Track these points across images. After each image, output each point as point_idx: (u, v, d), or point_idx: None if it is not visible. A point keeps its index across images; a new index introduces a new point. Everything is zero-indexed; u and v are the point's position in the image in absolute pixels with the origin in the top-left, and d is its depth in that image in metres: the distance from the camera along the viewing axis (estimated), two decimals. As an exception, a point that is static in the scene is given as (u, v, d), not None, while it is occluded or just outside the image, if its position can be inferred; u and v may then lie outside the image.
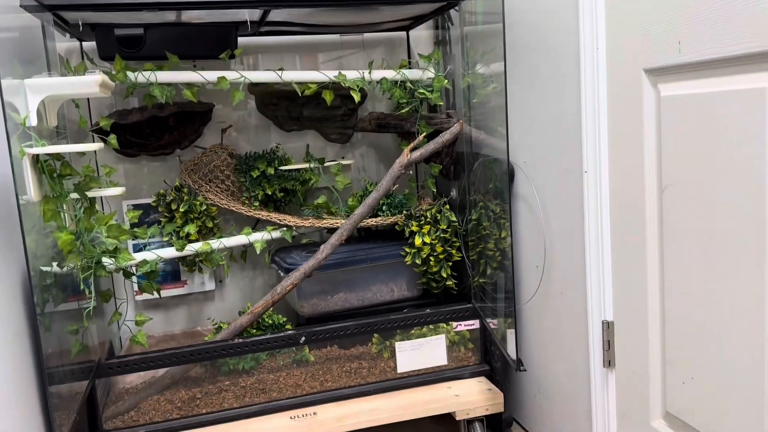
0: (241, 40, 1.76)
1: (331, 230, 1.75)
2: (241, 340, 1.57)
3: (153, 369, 1.54)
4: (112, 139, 1.50)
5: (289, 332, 1.60)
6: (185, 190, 1.74)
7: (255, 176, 1.79)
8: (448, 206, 1.77)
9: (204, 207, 1.73)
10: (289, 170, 1.83)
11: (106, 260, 1.43)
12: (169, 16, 1.58)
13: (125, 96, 1.63)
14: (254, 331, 1.66)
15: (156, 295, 1.66)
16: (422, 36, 2.02)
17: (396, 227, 1.80)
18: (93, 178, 1.35)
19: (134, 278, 1.73)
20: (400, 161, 1.65)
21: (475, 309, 1.72)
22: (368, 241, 1.86)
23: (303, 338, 1.60)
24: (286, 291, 1.60)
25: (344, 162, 1.91)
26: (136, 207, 1.83)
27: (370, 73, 1.70)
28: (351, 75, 1.68)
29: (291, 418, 1.57)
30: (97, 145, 1.32)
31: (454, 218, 1.75)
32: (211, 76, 1.59)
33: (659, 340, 1.21)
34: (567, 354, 1.51)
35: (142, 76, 1.54)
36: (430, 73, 1.76)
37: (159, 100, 1.57)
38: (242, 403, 1.59)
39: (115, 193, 1.38)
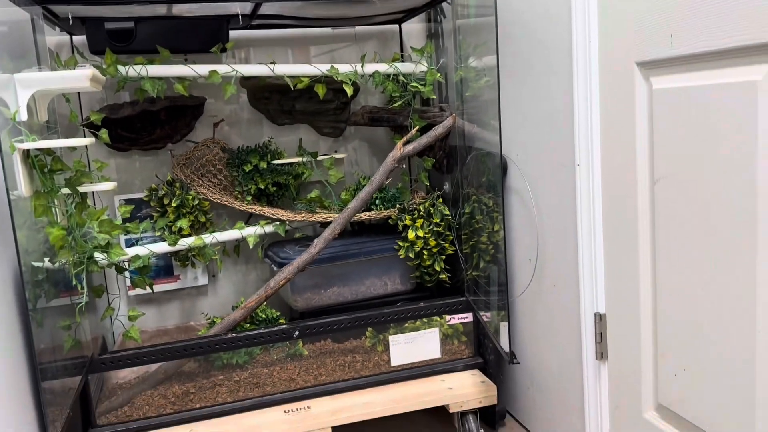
0: (232, 33, 1.75)
1: (325, 224, 1.75)
2: (234, 335, 1.56)
3: (146, 364, 1.54)
4: (103, 133, 1.49)
5: (283, 326, 1.60)
6: (177, 184, 1.73)
7: (247, 170, 1.79)
8: (441, 200, 1.78)
9: (196, 201, 1.73)
10: (282, 164, 1.83)
11: (98, 255, 1.43)
12: (160, 10, 1.57)
13: (116, 90, 1.62)
14: (248, 325, 1.66)
15: (149, 290, 1.66)
16: (415, 29, 2.01)
17: (389, 221, 1.80)
18: (84, 173, 1.35)
19: (127, 273, 1.72)
20: (393, 155, 1.65)
21: (469, 302, 1.72)
22: (361, 235, 1.86)
23: (296, 332, 1.60)
24: (279, 285, 1.60)
25: (337, 156, 1.91)
26: (127, 202, 1.83)
27: (362, 66, 1.70)
28: (343, 68, 1.68)
29: (285, 412, 1.57)
30: (88, 140, 1.31)
31: (447, 212, 1.75)
32: (203, 69, 1.58)
33: (651, 333, 1.22)
34: (560, 346, 1.52)
35: (133, 70, 1.53)
36: (423, 67, 1.76)
37: (150, 94, 1.56)
38: (236, 398, 1.59)
39: (107, 188, 1.37)
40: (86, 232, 1.37)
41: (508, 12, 1.55)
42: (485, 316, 1.67)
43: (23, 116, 1.18)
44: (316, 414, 1.55)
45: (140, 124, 1.75)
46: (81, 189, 1.34)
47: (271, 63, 1.64)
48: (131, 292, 1.89)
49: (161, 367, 1.58)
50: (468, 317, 1.73)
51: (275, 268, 1.70)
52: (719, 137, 1.00)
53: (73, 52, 1.74)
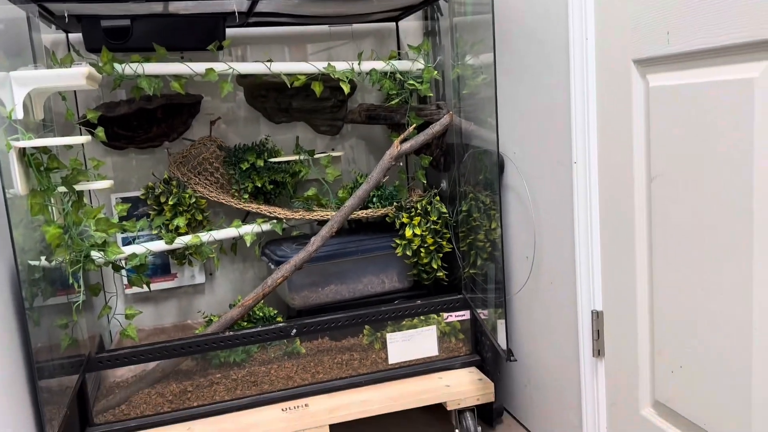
0: (229, 31, 1.75)
1: (322, 222, 1.75)
2: (232, 333, 1.56)
3: (143, 362, 1.53)
4: (100, 131, 1.48)
5: (280, 325, 1.60)
6: (174, 182, 1.73)
7: (244, 168, 1.78)
8: (438, 198, 1.78)
9: (193, 200, 1.72)
10: (279, 162, 1.83)
11: (95, 254, 1.43)
12: (156, 7, 1.56)
13: (112, 88, 1.62)
14: (245, 323, 1.66)
15: (146, 288, 1.66)
16: (412, 27, 2.01)
17: (386, 219, 1.80)
18: (81, 172, 1.34)
19: (123, 272, 1.72)
20: (390, 153, 1.65)
21: (466, 300, 1.73)
22: (359, 233, 1.86)
23: (294, 330, 1.60)
24: (276, 283, 1.60)
25: (334, 154, 1.90)
26: (124, 200, 1.82)
27: (359, 64, 1.70)
28: (340, 66, 1.68)
29: (282, 410, 1.57)
30: (84, 138, 1.31)
31: (444, 209, 1.75)
32: (199, 67, 1.58)
33: (648, 330, 1.22)
34: (557, 344, 1.52)
35: (130, 68, 1.53)
36: (420, 64, 1.76)
37: (147, 92, 1.56)
38: (233, 396, 1.59)
39: (103, 186, 1.37)
40: (83, 231, 1.37)
41: (505, 9, 1.55)
42: (482, 313, 1.67)
43: (19, 114, 1.18)
44: (313, 412, 1.55)
45: (137, 123, 1.75)
46: (77, 187, 1.33)
47: (268, 61, 1.64)
48: (128, 291, 1.88)
49: (158, 366, 1.57)
50: (465, 315, 1.73)
51: (272, 267, 1.70)
52: (716, 135, 1.00)
53: (69, 50, 1.74)
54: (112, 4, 1.45)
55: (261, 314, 1.69)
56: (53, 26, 1.67)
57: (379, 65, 1.72)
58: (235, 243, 1.88)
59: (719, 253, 1.03)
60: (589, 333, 1.38)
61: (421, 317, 1.71)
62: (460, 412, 1.64)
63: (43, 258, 1.29)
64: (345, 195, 1.84)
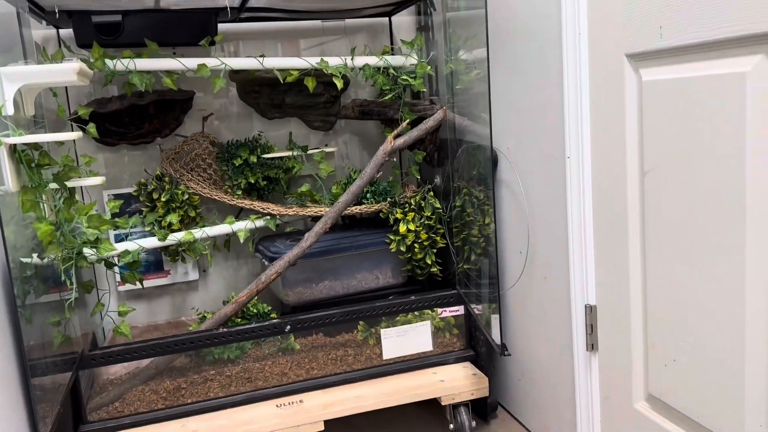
0: (221, 26, 1.74)
1: (316, 218, 1.75)
2: (225, 330, 1.56)
3: (137, 359, 1.53)
4: (91, 128, 1.48)
5: (274, 321, 1.60)
6: (167, 179, 1.72)
7: (237, 164, 1.78)
8: (432, 193, 1.78)
9: (186, 196, 1.72)
10: (272, 158, 1.82)
11: (87, 251, 1.42)
12: (148, 3, 1.55)
13: (104, 84, 1.61)
14: (239, 320, 1.65)
15: (139, 285, 1.65)
16: (405, 22, 2.01)
17: (380, 215, 1.80)
18: (72, 168, 1.34)
19: (116, 268, 1.71)
20: (384, 148, 1.64)
21: (460, 295, 1.73)
22: (353, 228, 1.86)
23: (288, 327, 1.60)
24: (270, 280, 1.60)
25: (328, 149, 1.90)
26: (116, 197, 1.81)
27: (352, 59, 1.69)
28: (333, 61, 1.67)
29: (277, 406, 1.57)
30: (75, 134, 1.30)
31: (438, 205, 1.75)
32: (191, 63, 1.57)
33: (641, 324, 1.23)
34: (550, 338, 1.53)
35: (121, 64, 1.52)
36: (413, 60, 1.75)
37: (138, 88, 1.55)
38: (228, 393, 1.59)
39: (95, 182, 1.36)
40: (75, 228, 1.36)
41: (498, 5, 1.55)
42: (476, 308, 1.67)
43: (9, 110, 1.17)
44: (308, 408, 1.55)
45: (128, 119, 1.74)
46: (69, 184, 1.33)
47: (261, 56, 1.63)
48: (121, 288, 1.88)
49: (152, 363, 1.57)
50: (459, 310, 1.74)
51: (266, 263, 1.69)
52: (708, 129, 1.01)
53: (59, 46, 1.73)
54: (103, 0, 1.44)
55: (255, 311, 1.69)
56: (44, 22, 1.66)
57: (372, 60, 1.72)
58: (229, 239, 1.87)
59: (712, 247, 1.03)
60: (582, 327, 1.39)
61: (416, 313, 1.71)
62: (455, 406, 1.64)
63: (35, 255, 1.29)
64: (339, 191, 1.84)
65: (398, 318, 1.70)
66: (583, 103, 1.30)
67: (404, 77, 1.72)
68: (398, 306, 1.68)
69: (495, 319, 1.54)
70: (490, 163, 1.55)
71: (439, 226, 1.76)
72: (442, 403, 1.62)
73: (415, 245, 1.73)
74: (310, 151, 1.86)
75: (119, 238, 1.74)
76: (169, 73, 1.58)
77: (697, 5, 1.00)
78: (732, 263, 0.99)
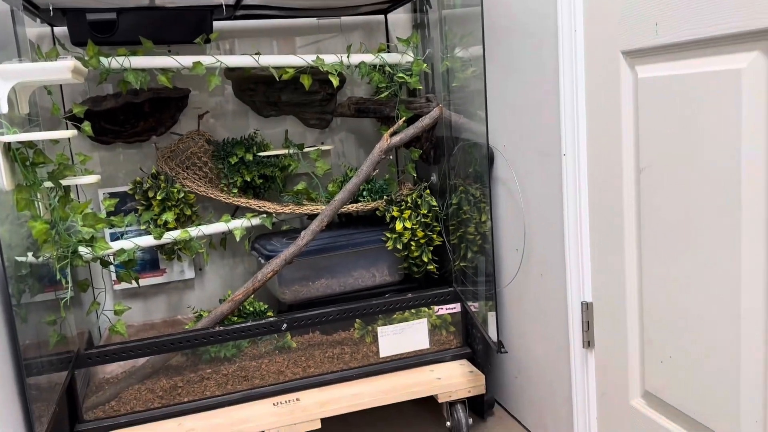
0: (216, 24, 1.73)
1: (312, 216, 1.74)
2: (222, 328, 1.56)
3: (133, 358, 1.53)
4: (86, 126, 1.47)
5: (271, 319, 1.60)
6: (162, 177, 1.72)
7: (233, 163, 1.77)
8: (428, 191, 1.77)
9: (182, 194, 1.71)
10: (268, 156, 1.82)
11: (83, 249, 1.41)
12: (143, 0, 1.55)
13: (99, 82, 1.60)
14: (235, 318, 1.65)
15: (134, 284, 1.65)
16: (401, 19, 2.01)
17: (377, 212, 1.80)
18: (67, 166, 1.33)
19: (112, 267, 1.71)
20: (380, 146, 1.64)
21: (457, 293, 1.73)
22: (349, 226, 1.86)
23: (285, 325, 1.60)
24: (266, 278, 1.60)
25: (324, 147, 1.90)
26: (112, 195, 1.81)
27: (348, 57, 1.69)
28: (329, 59, 1.67)
29: (274, 404, 1.57)
30: (70, 132, 1.29)
31: (434, 203, 1.75)
32: (187, 61, 1.57)
33: (638, 320, 1.23)
34: (547, 335, 1.53)
35: (116, 62, 1.52)
36: (409, 57, 1.75)
37: (133, 86, 1.54)
38: (224, 391, 1.58)
39: (90, 181, 1.36)
40: (70, 226, 1.36)
41: (494, 2, 1.55)
42: (473, 306, 1.67)
43: (3, 109, 1.17)
44: (305, 406, 1.55)
45: (124, 117, 1.74)
46: (64, 182, 1.32)
47: (256, 54, 1.63)
48: (117, 287, 1.87)
49: (148, 362, 1.57)
50: (456, 308, 1.74)
51: (262, 261, 1.69)
52: (704, 126, 1.01)
53: (54, 44, 1.72)
54: (98, -3, 1.43)
55: (251, 309, 1.68)
56: (38, 20, 1.65)
57: (368, 58, 1.71)
58: (225, 238, 1.87)
59: (708, 244, 1.03)
60: (579, 324, 1.39)
61: (412, 310, 1.71)
62: (452, 404, 1.64)
63: (30, 254, 1.28)
64: (335, 189, 1.83)
65: (395, 316, 1.70)
66: (579, 100, 1.30)
67: (400, 75, 1.72)
68: (395, 304, 1.68)
69: (491, 317, 1.54)
70: (487, 160, 1.55)
71: (435, 224, 1.76)
72: (439, 401, 1.62)
73: (412, 243, 1.73)
74: (306, 149, 1.86)
75: (115, 237, 1.73)
76: (164, 71, 1.58)
77: (693, 2, 1.00)
78: (728, 260, 0.99)
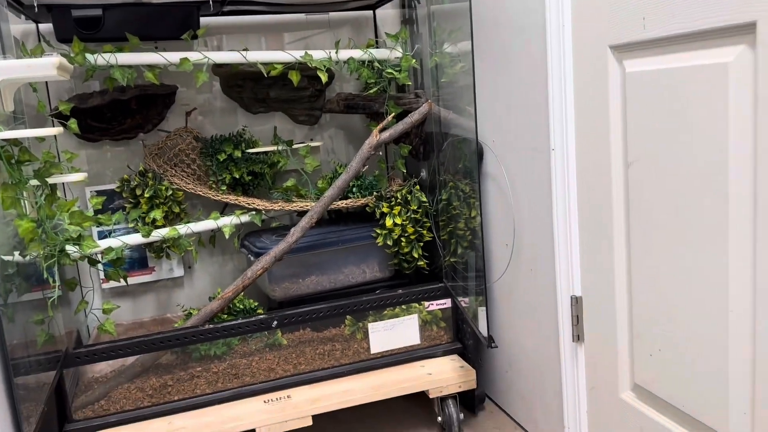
0: (204, 20, 1.72)
1: (301, 213, 1.74)
2: (212, 326, 1.55)
3: (122, 357, 1.52)
4: (72, 123, 1.46)
5: (261, 316, 1.59)
6: (150, 174, 1.71)
7: (222, 159, 1.76)
8: (418, 187, 1.77)
9: (170, 192, 1.70)
10: (257, 153, 1.81)
11: (70, 248, 1.40)
12: (129, -4, 1.53)
13: (85, 79, 1.59)
14: (225, 316, 1.64)
15: (123, 282, 1.64)
16: (389, 15, 2.00)
17: (367, 209, 1.80)
18: (53, 164, 1.32)
19: (100, 266, 1.69)
20: (369, 142, 1.64)
21: (447, 288, 1.73)
22: (339, 223, 1.85)
23: (275, 322, 1.59)
24: (256, 275, 1.59)
25: (313, 144, 1.89)
26: (99, 193, 1.79)
27: (336, 52, 1.68)
28: (317, 55, 1.66)
29: (265, 401, 1.56)
30: (56, 130, 1.28)
31: (424, 198, 1.75)
32: (174, 57, 1.55)
33: (627, 314, 1.24)
34: (537, 330, 1.54)
35: (102, 59, 1.50)
36: (398, 53, 1.75)
37: (120, 82, 1.53)
38: (215, 389, 1.58)
39: (77, 179, 1.35)
40: (57, 225, 1.35)
41: (482, -3, 1.55)
42: (463, 301, 1.67)
43: (-12, 106, 1.15)
44: (296, 403, 1.55)
45: (110, 114, 1.72)
46: (50, 180, 1.31)
47: (244, 50, 1.62)
48: (105, 285, 1.86)
49: (138, 360, 1.56)
50: (446, 303, 1.74)
51: (252, 258, 1.68)
52: (691, 119, 1.01)
53: (39, 41, 1.70)
54: (83, -7, 1.42)
55: (241, 306, 1.68)
56: (22, 16, 1.63)
57: (357, 54, 1.71)
58: (214, 235, 1.86)
59: (696, 238, 1.04)
60: (568, 318, 1.39)
61: (403, 306, 1.71)
62: (443, 399, 1.64)
63: (16, 253, 1.27)
64: (324, 185, 1.83)
65: (385, 312, 1.70)
66: (568, 95, 1.30)
67: (389, 70, 1.72)
68: (385, 300, 1.68)
69: (482, 312, 1.55)
70: (476, 156, 1.55)
71: (425, 220, 1.76)
72: (430, 396, 1.62)
73: (402, 239, 1.73)
74: (295, 146, 1.85)
75: (102, 235, 1.72)
76: (151, 67, 1.57)
77: (679, -4, 1.00)
78: (715, 253, 1.00)
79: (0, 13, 1.40)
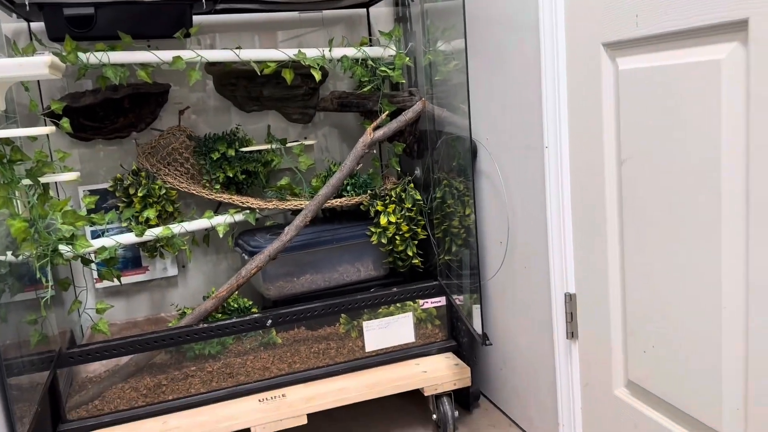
0: (197, 18, 1.72)
1: (296, 212, 1.73)
2: (206, 325, 1.55)
3: (115, 357, 1.51)
4: (65, 122, 1.45)
5: (255, 315, 1.59)
6: (143, 173, 1.70)
7: (215, 158, 1.76)
8: (412, 185, 1.77)
9: (163, 191, 1.70)
10: (251, 152, 1.80)
11: (63, 247, 1.40)
12: (121, -6, 1.53)
13: (77, 78, 1.58)
14: (220, 315, 1.64)
15: (116, 282, 1.63)
16: (382, 13, 2.00)
17: (361, 207, 1.80)
18: (46, 164, 1.31)
19: (93, 265, 1.69)
20: (364, 140, 1.64)
21: (441, 286, 1.73)
22: (333, 221, 1.85)
23: (269, 321, 1.59)
24: (250, 274, 1.59)
25: (307, 142, 1.89)
26: (92, 192, 1.79)
27: (330, 51, 1.68)
28: (311, 53, 1.66)
29: (260, 400, 1.56)
30: (48, 129, 1.27)
31: (418, 197, 1.75)
32: (166, 55, 1.55)
33: (620, 311, 1.24)
34: (531, 327, 1.54)
35: (94, 57, 1.49)
36: (391, 51, 1.75)
37: (112, 81, 1.52)
38: (209, 388, 1.58)
39: (70, 178, 1.34)
40: (49, 224, 1.34)
41: (476, -5, 1.55)
42: (458, 299, 1.68)
43: (-21, 105, 1.14)
44: (291, 402, 1.55)
45: (103, 113, 1.71)
46: (43, 180, 1.30)
47: (237, 48, 1.61)
48: (99, 285, 1.85)
49: (132, 360, 1.55)
50: (441, 301, 1.74)
51: (246, 257, 1.68)
52: (684, 117, 1.01)
53: (31, 39, 1.69)
54: (75, -9, 1.41)
55: (236, 305, 1.67)
56: (14, 15, 1.62)
57: (351, 52, 1.71)
58: (208, 234, 1.86)
59: (689, 235, 1.04)
60: (562, 315, 1.40)
61: (398, 304, 1.71)
62: (438, 397, 1.65)
63: (9, 253, 1.26)
64: (318, 184, 1.83)
65: (380, 310, 1.70)
66: (561, 93, 1.31)
67: (383, 68, 1.72)
68: (380, 298, 1.68)
69: (476, 310, 1.55)
70: (470, 154, 1.55)
71: (419, 218, 1.76)
72: (425, 394, 1.62)
73: (396, 237, 1.73)
74: (289, 144, 1.85)
75: (96, 235, 1.71)
76: (143, 66, 1.56)
77: (672, -6, 1.00)
78: (708, 251, 1.01)
79: (-9, 11, 1.40)
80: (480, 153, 1.65)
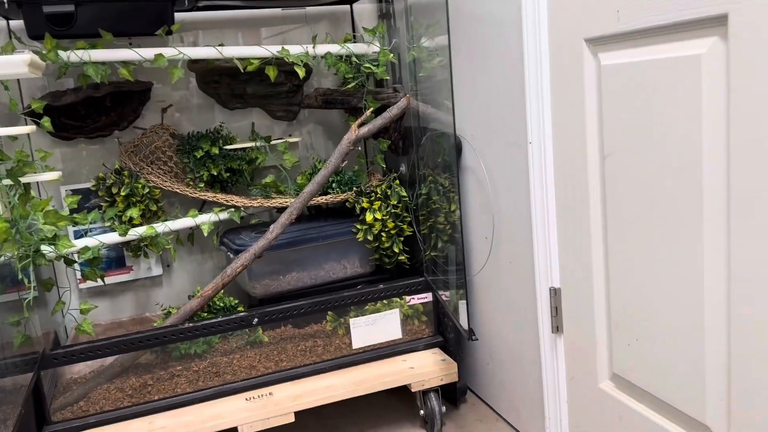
0: (178, 15, 1.70)
1: (281, 210, 1.73)
2: (191, 324, 1.54)
3: (100, 357, 1.50)
4: (46, 121, 1.43)
5: (242, 314, 1.58)
6: (126, 172, 1.69)
7: (199, 156, 1.75)
8: (398, 181, 1.77)
9: (146, 190, 1.68)
10: (235, 149, 1.80)
11: (45, 248, 1.38)
12: (101, -9, 1.51)
13: (58, 76, 1.56)
14: (205, 314, 1.63)
15: (100, 282, 1.62)
16: (366, 9, 2.00)
17: (347, 204, 1.79)
18: (27, 163, 1.30)
19: (76, 266, 1.67)
20: (348, 137, 1.64)
21: (428, 282, 1.74)
22: (319, 219, 1.85)
23: (256, 319, 1.58)
24: (236, 273, 1.58)
25: (291, 140, 1.88)
26: (74, 192, 1.77)
27: (314, 47, 1.68)
28: (294, 50, 1.65)
29: (246, 399, 1.56)
30: (29, 128, 1.26)
31: (404, 193, 1.75)
32: (148, 53, 1.54)
33: (605, 305, 1.25)
34: (517, 321, 1.55)
35: (75, 55, 1.48)
36: (376, 47, 1.74)
37: (94, 79, 1.51)
38: (195, 388, 1.57)
39: (51, 178, 1.33)
40: (31, 224, 1.32)
41: (459, -9, 1.55)
42: (444, 295, 1.68)
43: (-43, 104, 1.13)
44: (278, 400, 1.54)
45: (85, 112, 1.70)
46: (24, 179, 1.29)
47: (219, 45, 1.60)
48: (82, 285, 1.83)
49: (117, 360, 1.54)
50: (427, 297, 1.74)
51: (231, 256, 1.67)
52: (665, 111, 1.02)
53: (10, 38, 1.67)
54: (54, -11, 1.39)
55: (221, 304, 1.67)
56: (-9, 12, 1.60)
57: (334, 48, 1.70)
58: (192, 233, 1.84)
59: (671, 229, 1.05)
60: (547, 310, 1.41)
61: (384, 301, 1.71)
62: (425, 393, 1.65)
63: (-11, 254, 1.25)
64: (304, 181, 1.82)
65: (367, 307, 1.70)
66: (544, 89, 1.31)
67: (367, 65, 1.71)
68: (367, 295, 1.68)
69: (462, 305, 1.56)
70: (455, 150, 1.56)
71: (405, 215, 1.76)
72: (412, 390, 1.63)
73: (382, 234, 1.73)
74: (273, 142, 1.84)
75: (78, 235, 1.70)
76: (125, 63, 1.55)
77: (652, -11, 1.01)
78: (690, 245, 1.02)
79: (-32, 9, 1.38)
80: (464, 149, 1.66)
